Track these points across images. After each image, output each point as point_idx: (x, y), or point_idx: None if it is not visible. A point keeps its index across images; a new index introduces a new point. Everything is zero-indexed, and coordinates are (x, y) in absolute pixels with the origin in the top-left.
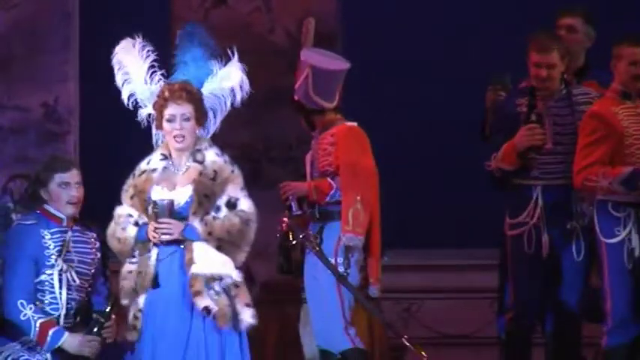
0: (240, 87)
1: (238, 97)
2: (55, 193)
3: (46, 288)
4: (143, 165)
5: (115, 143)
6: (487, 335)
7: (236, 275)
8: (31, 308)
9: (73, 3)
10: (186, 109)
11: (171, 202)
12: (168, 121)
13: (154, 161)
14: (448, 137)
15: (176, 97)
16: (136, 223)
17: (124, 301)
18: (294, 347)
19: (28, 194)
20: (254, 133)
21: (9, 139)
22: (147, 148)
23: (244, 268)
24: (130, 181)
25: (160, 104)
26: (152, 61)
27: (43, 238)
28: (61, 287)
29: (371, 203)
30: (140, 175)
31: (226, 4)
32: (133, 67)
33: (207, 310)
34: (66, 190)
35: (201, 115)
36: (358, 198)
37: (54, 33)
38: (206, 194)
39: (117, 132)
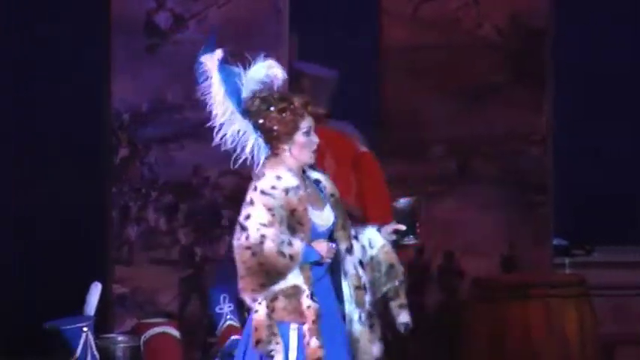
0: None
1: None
2: None
3: None
4: (277, 182)
5: None
6: None
7: None
8: (229, 307)
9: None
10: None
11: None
12: (307, 133)
13: (288, 178)
14: None
15: (308, 110)
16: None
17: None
18: (506, 345)
19: None
20: (462, 128)
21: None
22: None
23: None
24: (266, 199)
25: (299, 114)
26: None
27: None
28: None
29: None
30: (287, 193)
31: None
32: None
33: (406, 325)
34: None
35: None
36: None
37: (265, 30)
38: (345, 211)
39: None
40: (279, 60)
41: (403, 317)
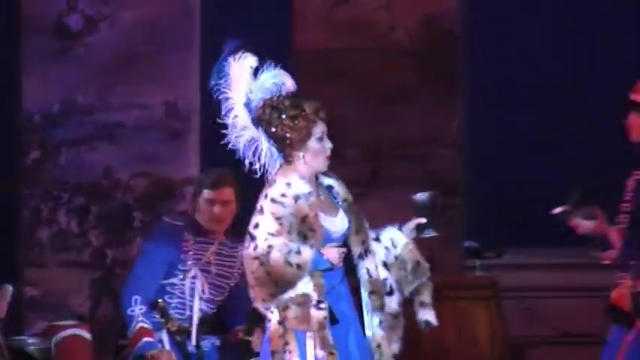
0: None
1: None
2: (201, 207)
3: (176, 292)
4: (287, 190)
5: None
6: None
7: None
8: (141, 309)
9: (194, 0)
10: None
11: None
12: (320, 139)
13: (298, 185)
14: (577, 138)
15: (320, 115)
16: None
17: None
18: (418, 346)
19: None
20: (375, 131)
21: (132, 137)
22: None
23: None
24: (275, 208)
25: (311, 120)
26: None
27: (186, 241)
28: (192, 295)
29: None
30: (297, 200)
31: (349, 1)
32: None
33: (427, 323)
34: (211, 207)
35: None
36: None
37: (176, 31)
38: (360, 215)
39: None
40: (190, 60)
41: (423, 314)
